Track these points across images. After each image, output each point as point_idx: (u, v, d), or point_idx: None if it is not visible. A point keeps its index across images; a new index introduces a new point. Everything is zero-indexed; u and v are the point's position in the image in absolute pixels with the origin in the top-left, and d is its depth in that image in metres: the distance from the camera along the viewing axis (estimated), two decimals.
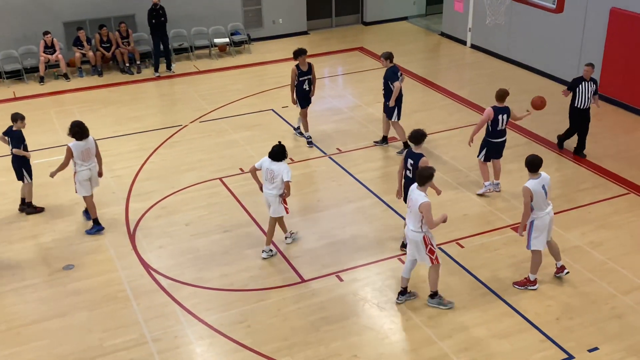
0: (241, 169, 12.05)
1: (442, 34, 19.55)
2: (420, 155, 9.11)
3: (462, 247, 9.72)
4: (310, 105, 12.72)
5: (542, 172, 8.43)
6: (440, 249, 9.64)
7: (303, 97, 12.56)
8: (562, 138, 12.39)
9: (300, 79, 12.36)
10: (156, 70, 16.91)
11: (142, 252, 9.78)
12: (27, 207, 10.78)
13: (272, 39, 19.55)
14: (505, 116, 10.50)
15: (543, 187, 8.34)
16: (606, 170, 11.72)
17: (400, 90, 11.91)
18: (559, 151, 12.45)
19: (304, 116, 12.73)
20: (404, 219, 10.10)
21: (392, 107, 12.08)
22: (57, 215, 10.72)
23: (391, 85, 11.91)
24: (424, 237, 8.15)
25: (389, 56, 11.97)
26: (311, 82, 12.50)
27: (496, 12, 12.27)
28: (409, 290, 8.66)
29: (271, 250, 9.63)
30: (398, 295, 8.65)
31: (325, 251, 9.78)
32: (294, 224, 10.39)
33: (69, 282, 9.17)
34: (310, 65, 12.40)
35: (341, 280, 9.10)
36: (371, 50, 18.38)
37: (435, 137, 12.90)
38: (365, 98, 15.16)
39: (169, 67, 17.13)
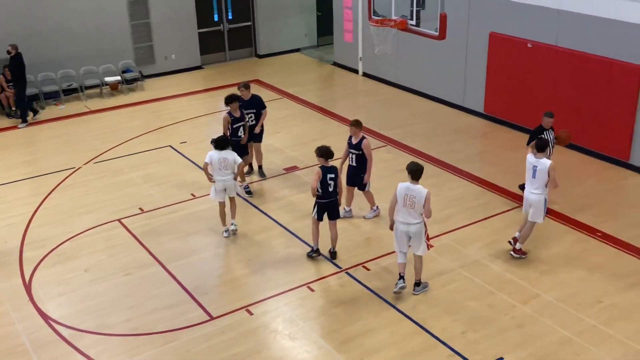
0: (141, 209, 11.76)
1: (335, 64, 20.02)
2: (335, 168, 9.82)
3: (368, 269, 9.89)
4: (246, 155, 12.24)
5: (545, 159, 9.57)
6: (347, 273, 9.78)
7: (236, 146, 11.81)
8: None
9: (234, 126, 11.82)
10: (34, 113, 16.29)
11: (39, 303, 9.31)
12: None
13: (166, 74, 19.35)
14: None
15: (534, 167, 9.59)
16: (496, 186, 12.30)
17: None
18: (452, 171, 12.95)
19: (242, 165, 12.25)
20: (311, 246, 10.21)
21: (261, 132, 12.48)
22: None
23: (262, 111, 12.35)
24: (424, 226, 9.04)
25: (249, 85, 12.31)
26: (245, 129, 11.95)
27: (383, 41, 12.69)
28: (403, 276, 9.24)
29: (234, 225, 10.90)
30: (398, 282, 9.22)
31: (232, 286, 9.67)
32: (201, 259, 10.26)
33: None
34: (242, 111, 11.95)
35: (251, 314, 9.02)
36: (267, 82, 18.55)
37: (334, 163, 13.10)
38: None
39: (23, 121, 15.92)
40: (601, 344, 8.26)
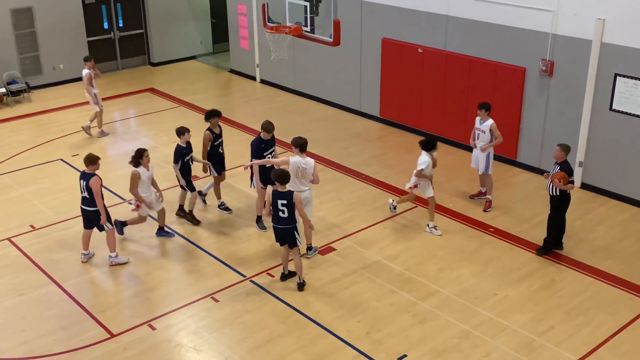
0: (32, 226, 11.23)
1: (232, 71, 19.91)
2: (291, 192, 9.07)
3: (272, 276, 9.88)
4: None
5: (490, 119, 11.32)
6: (251, 281, 9.74)
7: (218, 162, 11.53)
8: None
9: (215, 142, 11.37)
10: None
11: None
12: (186, 214, 11.33)
13: (54, 85, 18.59)
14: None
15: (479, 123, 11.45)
16: (395, 187, 12.62)
17: None
18: (352, 175, 13.16)
19: (217, 182, 11.74)
20: (223, 263, 10.07)
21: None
22: None
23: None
24: None
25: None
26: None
27: (279, 48, 12.76)
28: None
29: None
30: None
31: (133, 301, 9.40)
32: (98, 275, 9.91)
33: None
34: (221, 128, 11.51)
35: (153, 328, 8.80)
36: (162, 91, 18.18)
37: (237, 171, 13.01)
38: (161, 139, 14.94)
39: None
40: (497, 335, 8.63)
